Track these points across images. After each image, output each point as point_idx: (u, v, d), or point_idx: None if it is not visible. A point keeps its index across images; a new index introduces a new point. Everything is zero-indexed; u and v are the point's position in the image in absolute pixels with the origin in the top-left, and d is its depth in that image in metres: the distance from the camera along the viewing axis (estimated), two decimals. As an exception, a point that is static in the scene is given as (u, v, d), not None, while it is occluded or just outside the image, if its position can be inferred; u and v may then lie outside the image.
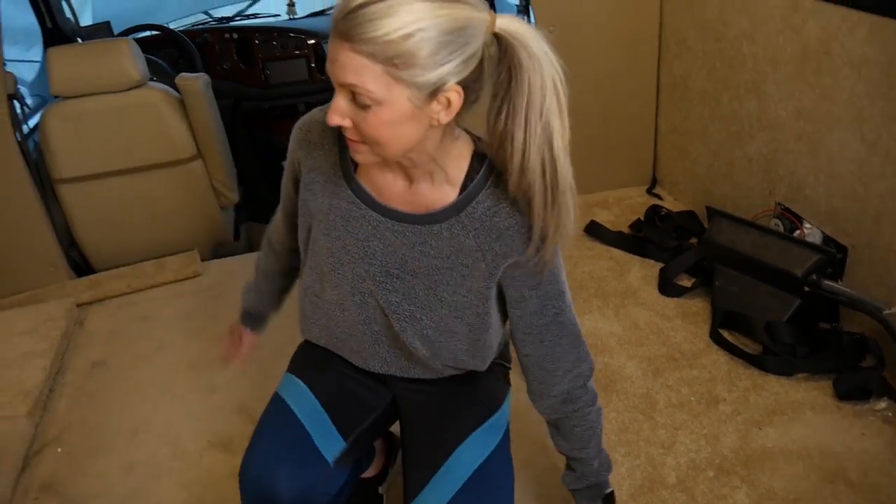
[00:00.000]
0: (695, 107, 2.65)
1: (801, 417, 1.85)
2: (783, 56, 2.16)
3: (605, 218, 2.76)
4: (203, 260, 2.74)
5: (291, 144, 1.24)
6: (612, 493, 1.46)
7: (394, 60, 0.92)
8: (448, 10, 0.92)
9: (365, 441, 1.43)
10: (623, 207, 2.87)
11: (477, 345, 1.27)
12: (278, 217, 1.41)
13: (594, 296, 2.38)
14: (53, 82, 2.45)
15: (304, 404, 1.33)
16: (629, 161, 2.97)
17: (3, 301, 2.62)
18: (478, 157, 1.13)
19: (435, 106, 0.98)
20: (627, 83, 2.80)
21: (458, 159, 1.13)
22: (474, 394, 1.36)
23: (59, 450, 1.97)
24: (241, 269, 2.68)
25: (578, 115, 2.88)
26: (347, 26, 0.92)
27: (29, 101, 2.75)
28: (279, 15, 3.60)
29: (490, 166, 1.12)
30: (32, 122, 2.76)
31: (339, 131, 1.15)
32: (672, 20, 2.67)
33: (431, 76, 0.94)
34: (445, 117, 1.01)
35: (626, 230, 2.70)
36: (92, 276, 2.70)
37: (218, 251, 2.85)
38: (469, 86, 0.99)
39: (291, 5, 3.51)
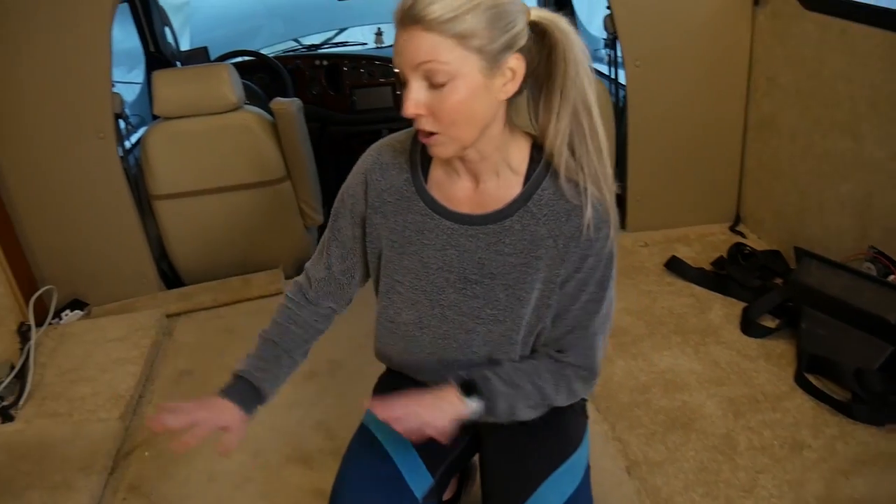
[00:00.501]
0: (784, 145, 2.61)
1: (893, 470, 1.77)
2: (882, 96, 2.12)
3: (686, 254, 2.73)
4: (286, 278, 2.82)
5: (361, 169, 1.27)
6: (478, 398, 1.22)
7: (462, 33, 1.01)
8: None
9: (449, 475, 1.44)
10: (705, 244, 2.83)
11: (540, 332, 1.28)
12: (325, 251, 1.38)
13: (673, 332, 2.35)
14: (156, 103, 2.58)
15: (393, 438, 1.33)
16: (712, 197, 2.93)
17: (98, 309, 2.74)
18: (536, 149, 1.19)
19: (500, 78, 1.07)
20: (713, 119, 2.78)
21: (519, 151, 1.19)
22: (554, 429, 1.35)
23: (147, 454, 2.05)
24: (323, 289, 2.76)
25: (662, 150, 2.91)
26: (414, 12, 1.01)
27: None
28: (366, 43, 3.70)
29: (548, 157, 1.17)
30: (130, 140, 2.90)
31: (410, 149, 1.24)
32: (763, 57, 2.64)
33: (495, 46, 1.04)
34: (512, 87, 1.09)
35: (707, 267, 2.66)
36: (182, 289, 2.82)
37: (300, 270, 2.91)
38: (527, 58, 1.09)
39: (379, 34, 3.61)
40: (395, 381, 1.44)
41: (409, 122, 1.12)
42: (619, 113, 2.82)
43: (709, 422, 1.97)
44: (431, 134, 1.09)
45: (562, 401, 1.26)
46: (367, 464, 1.31)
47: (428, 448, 1.31)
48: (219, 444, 1.30)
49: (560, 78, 1.09)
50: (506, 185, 1.18)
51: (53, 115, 2.47)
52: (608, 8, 2.61)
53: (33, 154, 2.53)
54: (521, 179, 1.18)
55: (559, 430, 1.36)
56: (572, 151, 1.14)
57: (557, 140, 1.12)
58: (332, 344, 2.38)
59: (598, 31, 3.59)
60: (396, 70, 1.07)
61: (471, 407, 1.17)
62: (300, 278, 1.43)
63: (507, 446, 1.34)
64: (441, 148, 1.11)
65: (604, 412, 2.03)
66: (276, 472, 1.94)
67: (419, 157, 1.24)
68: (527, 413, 1.23)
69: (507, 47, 1.05)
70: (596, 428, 1.97)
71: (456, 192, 1.21)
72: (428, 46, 1.01)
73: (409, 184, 1.23)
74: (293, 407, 2.17)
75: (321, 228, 3.12)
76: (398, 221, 1.25)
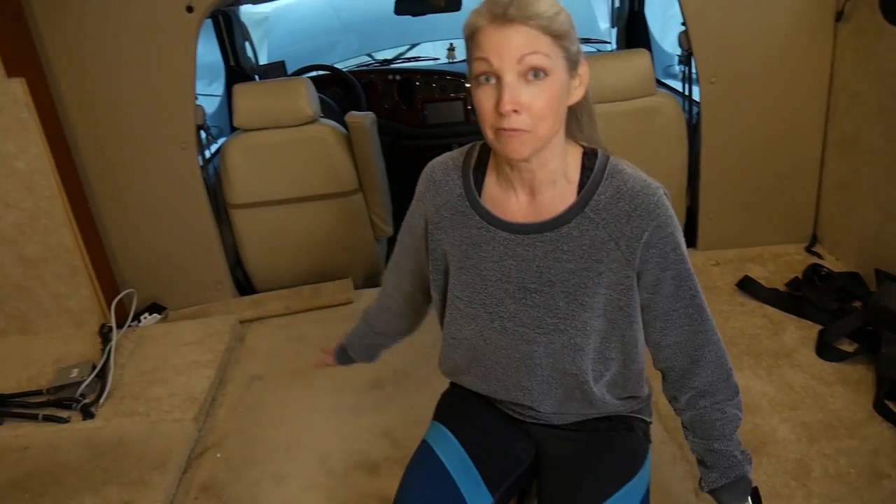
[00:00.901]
0: (866, 164, 2.53)
1: (977, 502, 1.70)
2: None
3: (759, 274, 2.67)
4: (355, 288, 2.87)
5: (419, 189, 1.33)
6: (757, 487, 1.36)
7: (555, 32, 1.06)
8: None
9: (508, 496, 1.43)
10: (779, 264, 2.76)
11: (625, 347, 1.27)
12: (398, 268, 1.49)
13: (745, 353, 2.29)
14: (236, 115, 2.67)
15: (454, 456, 1.34)
16: (788, 217, 2.86)
17: (175, 313, 2.84)
18: (587, 156, 1.21)
19: (574, 81, 1.13)
20: (791, 137, 2.71)
21: (573, 159, 1.21)
22: (615, 453, 1.33)
23: (219, 455, 2.11)
24: (391, 300, 2.80)
25: (737, 167, 2.86)
26: (514, 10, 1.05)
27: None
28: (438, 58, 3.75)
29: (604, 158, 1.19)
30: (210, 150, 3.00)
31: (462, 165, 1.27)
32: (844, 72, 2.57)
33: (574, 49, 1.10)
34: (579, 93, 1.15)
35: (782, 288, 2.59)
36: (254, 296, 2.90)
37: (369, 281, 2.98)
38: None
39: (451, 49, 3.65)
40: (460, 397, 1.46)
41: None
42: (692, 130, 2.79)
43: (781, 446, 1.92)
44: (516, 130, 1.09)
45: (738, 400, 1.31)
46: (427, 480, 1.31)
47: (488, 467, 1.33)
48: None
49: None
50: (561, 195, 1.19)
51: (140, 126, 2.59)
52: (683, 24, 2.59)
53: (119, 164, 2.65)
54: (574, 188, 1.19)
55: (620, 455, 1.34)
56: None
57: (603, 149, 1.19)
58: (398, 354, 2.39)
59: (672, 47, 3.57)
60: (487, 70, 1.08)
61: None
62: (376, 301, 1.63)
63: (566, 469, 1.33)
64: (523, 145, 1.11)
65: (672, 432, 2.00)
66: (343, 478, 1.97)
67: (472, 173, 1.26)
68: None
69: (579, 52, 1.12)
70: (663, 448, 1.94)
71: (510, 204, 1.22)
72: (529, 41, 1.05)
73: (463, 199, 1.26)
74: (359, 415, 2.20)
75: (390, 240, 3.18)
76: (456, 236, 1.27)
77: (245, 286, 3.02)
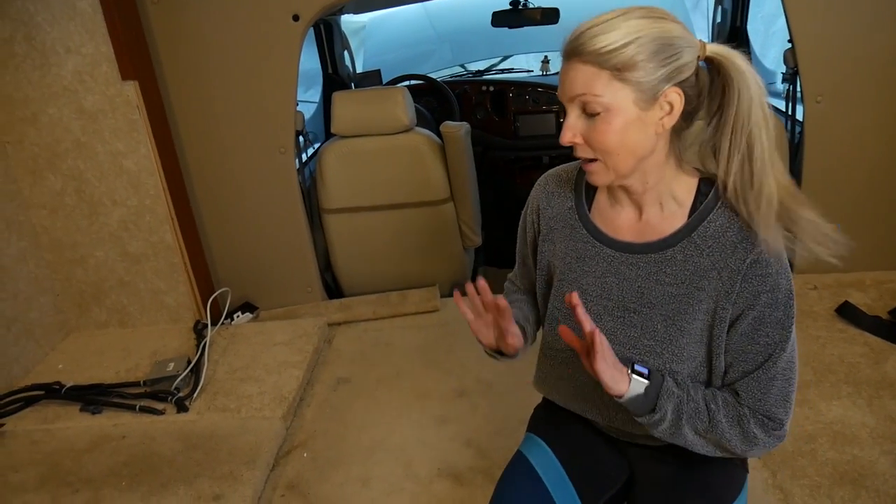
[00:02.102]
0: (981, 190, 2.41)
1: None
2: None
3: (860, 300, 2.56)
4: (442, 296, 2.89)
5: (532, 199, 1.35)
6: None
7: (617, 66, 1.04)
8: (660, 24, 1.06)
9: None
10: (882, 291, 2.64)
11: (719, 375, 1.22)
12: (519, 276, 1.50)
13: (844, 381, 2.20)
14: (335, 122, 2.73)
15: (549, 469, 1.34)
16: (891, 242, 2.73)
17: (266, 313, 2.92)
18: (705, 182, 1.18)
19: (657, 111, 1.09)
20: (897, 160, 2.61)
21: (687, 184, 1.18)
22: (711, 479, 1.30)
23: (305, 454, 2.14)
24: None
25: (839, 189, 2.76)
26: (575, 45, 1.06)
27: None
28: (532, 70, 3.75)
29: (718, 190, 1.16)
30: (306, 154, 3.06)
31: (575, 178, 1.28)
32: (961, 95, 2.45)
33: (651, 79, 1.05)
34: (669, 121, 1.10)
35: (884, 316, 2.48)
36: (343, 300, 2.94)
37: (456, 290, 2.98)
38: (687, 93, 1.09)
39: (546, 62, 3.65)
40: (554, 410, 1.45)
41: (570, 150, 1.16)
42: (794, 150, 2.70)
43: (882, 480, 1.83)
44: (590, 160, 1.14)
45: (737, 442, 1.17)
46: (523, 491, 1.31)
47: (584, 483, 1.32)
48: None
49: (733, 114, 1.09)
50: (669, 216, 1.18)
51: (242, 130, 2.67)
52: (790, 41, 2.51)
53: (220, 166, 2.74)
54: (685, 211, 1.17)
55: (716, 481, 1.30)
56: (743, 188, 1.11)
57: (730, 177, 1.11)
58: (483, 364, 2.45)
59: (773, 64, 3.47)
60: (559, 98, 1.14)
61: (634, 388, 1.12)
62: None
63: (660, 493, 1.31)
64: (597, 176, 1.15)
65: (764, 458, 1.93)
66: (427, 485, 1.98)
67: (584, 187, 1.27)
68: (693, 439, 1.17)
69: (667, 80, 1.06)
70: (755, 474, 1.88)
71: (618, 220, 1.22)
72: (583, 79, 1.07)
73: (573, 211, 1.27)
74: (444, 423, 2.21)
75: (478, 250, 3.19)
76: (562, 248, 1.28)
77: (333, 289, 3.08)
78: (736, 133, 1.10)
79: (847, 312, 2.50)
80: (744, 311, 1.15)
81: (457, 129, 2.69)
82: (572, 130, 1.11)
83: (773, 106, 2.79)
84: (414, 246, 2.92)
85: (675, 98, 1.08)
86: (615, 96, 1.06)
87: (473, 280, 2.96)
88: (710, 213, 1.15)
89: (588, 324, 1.05)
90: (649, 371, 1.14)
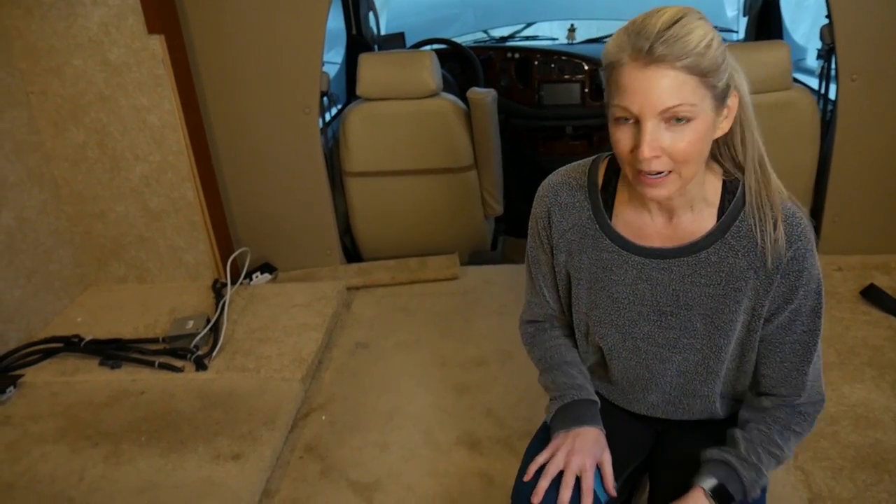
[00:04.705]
0: None
1: None
2: None
3: (885, 283, 2.54)
4: (461, 264, 2.87)
5: (541, 211, 1.28)
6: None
7: (704, 70, 0.99)
8: (710, 24, 1.04)
9: (627, 487, 1.43)
10: (907, 275, 2.63)
11: (751, 369, 1.26)
12: (540, 294, 1.39)
13: (867, 364, 2.19)
14: (361, 84, 2.70)
15: None
16: (920, 226, 2.71)
17: (284, 274, 2.91)
18: (728, 181, 1.16)
19: (721, 115, 1.06)
20: (931, 142, 2.56)
21: (714, 183, 1.16)
22: None
23: (324, 418, 2.15)
24: (496, 278, 2.80)
25: (870, 171, 2.72)
26: (660, 50, 0.98)
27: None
28: (557, 38, 3.70)
29: (746, 189, 1.13)
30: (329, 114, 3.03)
31: (588, 186, 1.22)
32: None
33: (723, 83, 1.03)
34: (726, 125, 1.08)
35: (910, 300, 2.47)
36: (361, 264, 2.94)
37: (475, 258, 2.98)
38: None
39: (572, 30, 3.59)
40: None
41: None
42: (824, 128, 2.66)
43: (905, 465, 1.84)
44: (658, 173, 1.05)
45: (803, 437, 1.25)
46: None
47: (612, 452, 1.30)
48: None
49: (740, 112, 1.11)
50: (700, 218, 1.16)
51: (267, 89, 2.64)
52: (827, 17, 2.46)
53: (243, 124, 2.71)
54: (714, 211, 1.15)
55: None
56: (758, 183, 1.13)
57: (751, 176, 1.12)
58: (504, 333, 2.44)
59: (803, 39, 3.41)
60: (626, 116, 1.03)
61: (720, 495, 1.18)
62: (529, 327, 1.46)
63: (681, 463, 1.30)
64: (665, 189, 1.07)
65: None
66: (446, 452, 1.98)
67: (600, 194, 1.22)
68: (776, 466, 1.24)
69: (729, 84, 1.05)
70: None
71: (645, 227, 1.19)
72: (675, 88, 0.99)
73: (593, 221, 1.22)
74: (463, 391, 2.21)
75: (498, 219, 3.17)
76: (583, 259, 1.25)
77: (352, 253, 3.07)
78: (745, 129, 1.11)
79: (872, 295, 2.48)
80: (781, 305, 1.16)
81: (484, 96, 2.66)
82: (654, 145, 1.01)
83: (802, 82, 2.76)
84: (435, 212, 2.90)
85: (734, 101, 1.07)
86: (703, 103, 1.01)
87: (493, 248, 2.96)
88: (740, 212, 1.13)
89: None
90: (717, 481, 1.18)
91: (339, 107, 3.09)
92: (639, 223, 1.19)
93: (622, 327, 1.25)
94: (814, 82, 2.80)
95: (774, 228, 1.11)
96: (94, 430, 2.05)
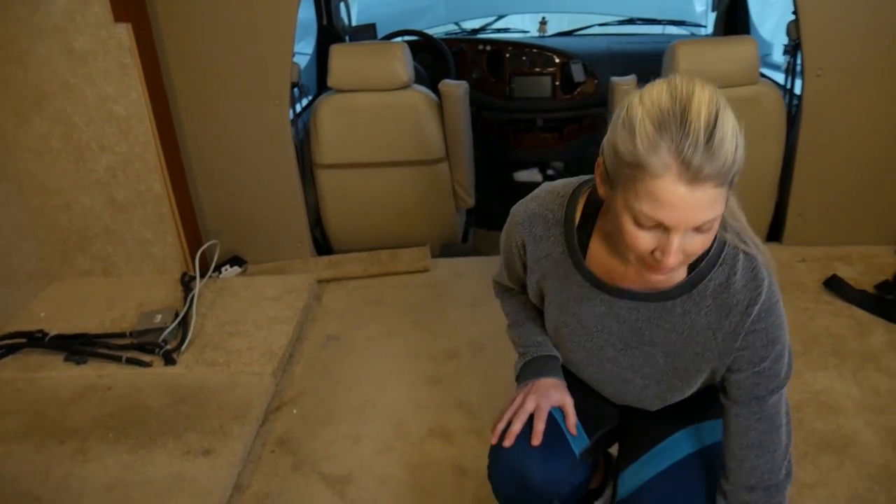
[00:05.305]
0: (971, 171, 2.43)
1: None
2: None
3: (847, 274, 2.59)
4: (433, 256, 2.87)
5: (512, 234, 1.30)
6: None
7: (732, 177, 0.96)
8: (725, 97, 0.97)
9: (601, 446, 1.48)
10: (868, 265, 2.68)
11: (711, 389, 1.30)
12: (512, 282, 1.45)
13: (830, 353, 2.24)
14: (332, 75, 2.68)
15: None
16: (880, 218, 2.76)
17: (254, 267, 2.88)
18: None
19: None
20: (893, 136, 2.61)
21: None
22: (695, 397, 1.34)
23: (295, 411, 2.14)
24: (468, 270, 2.80)
25: (833, 164, 2.78)
26: (707, 170, 0.91)
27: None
28: (528, 31, 3.70)
29: (720, 244, 1.12)
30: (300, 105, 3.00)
31: (563, 221, 1.21)
32: (960, 75, 2.46)
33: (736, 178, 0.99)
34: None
35: (870, 290, 2.52)
36: (332, 256, 2.92)
37: (446, 250, 2.98)
38: None
39: (543, 23, 3.60)
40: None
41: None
42: (790, 123, 2.70)
43: (865, 450, 1.87)
44: (670, 268, 1.03)
45: (785, 435, 1.25)
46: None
47: (585, 414, 1.36)
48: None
49: None
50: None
51: (236, 79, 2.60)
52: (793, 13, 2.50)
53: (212, 115, 2.67)
54: (685, 266, 1.15)
55: (700, 398, 1.35)
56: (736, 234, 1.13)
57: (726, 234, 1.12)
58: (475, 325, 2.45)
59: (769, 34, 3.46)
60: (660, 223, 0.97)
61: None
62: (499, 285, 1.52)
63: (647, 422, 1.38)
64: (671, 276, 1.09)
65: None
66: (418, 444, 1.99)
67: (576, 232, 1.21)
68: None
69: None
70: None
71: (617, 270, 1.19)
72: (714, 203, 0.95)
73: (566, 257, 1.22)
74: (435, 383, 2.21)
75: (469, 211, 3.17)
76: (555, 286, 1.27)
77: (323, 246, 3.05)
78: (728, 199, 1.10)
79: (834, 285, 2.53)
80: (744, 366, 1.18)
81: (456, 89, 2.66)
82: (681, 250, 0.99)
83: (767, 77, 2.79)
84: (406, 205, 2.89)
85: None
86: (722, 207, 0.98)
87: (464, 240, 2.95)
88: (711, 270, 1.13)
89: None
90: None
91: (310, 98, 3.06)
92: (612, 265, 1.19)
93: (589, 349, 1.30)
94: (780, 77, 2.84)
95: (741, 294, 1.12)
96: (59, 427, 2.01)
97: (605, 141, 1.03)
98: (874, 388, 2.09)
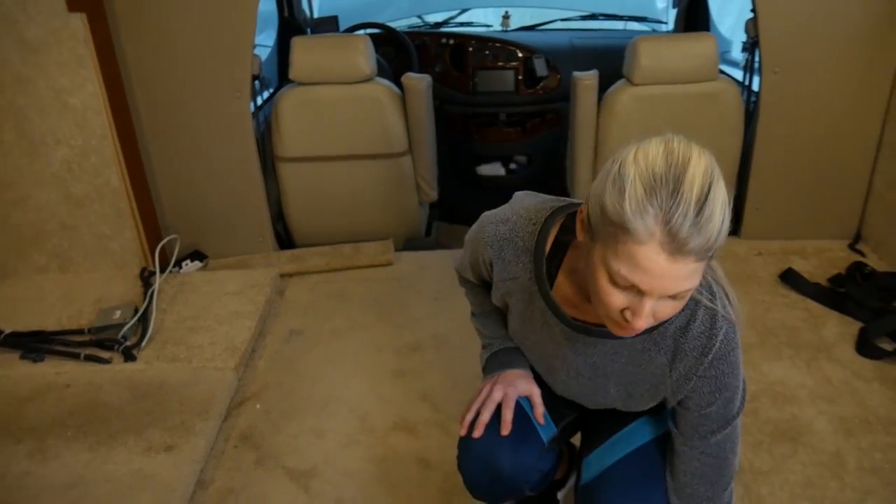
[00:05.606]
0: (921, 167, 2.50)
1: None
2: None
3: (802, 267, 2.65)
4: (396, 250, 2.87)
5: (479, 250, 1.29)
6: None
7: (713, 253, 0.94)
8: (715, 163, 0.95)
9: (567, 434, 1.52)
10: (822, 259, 2.74)
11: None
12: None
13: (785, 344, 2.29)
14: (294, 68, 2.66)
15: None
16: (834, 213, 2.83)
17: (215, 262, 2.85)
18: None
19: None
20: (847, 134, 2.67)
21: None
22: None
23: (258, 406, 2.13)
24: (431, 264, 2.81)
25: (789, 160, 2.82)
26: (692, 244, 0.90)
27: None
28: (491, 25, 3.71)
29: None
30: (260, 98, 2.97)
31: (534, 250, 1.20)
32: (911, 73, 2.53)
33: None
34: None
35: (824, 283, 2.58)
36: (295, 251, 2.90)
37: (410, 244, 2.98)
38: None
39: (506, 17, 3.60)
40: None
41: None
42: (747, 118, 2.76)
43: (818, 437, 1.93)
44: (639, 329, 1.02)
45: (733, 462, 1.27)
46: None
47: (552, 403, 1.39)
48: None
49: None
50: None
51: (196, 71, 2.57)
52: (752, 11, 2.54)
53: (172, 108, 2.63)
54: None
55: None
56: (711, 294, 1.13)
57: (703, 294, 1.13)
58: (439, 319, 2.46)
59: (728, 31, 3.51)
60: (635, 286, 0.95)
61: None
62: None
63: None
64: (636, 335, 1.09)
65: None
66: (382, 437, 1.99)
67: (544, 262, 1.20)
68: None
69: None
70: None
71: (582, 304, 1.20)
72: (692, 275, 0.94)
73: (533, 283, 1.22)
74: (399, 377, 2.22)
75: (432, 205, 3.18)
76: (519, 306, 1.29)
77: (285, 240, 3.03)
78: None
79: (790, 278, 2.59)
80: (692, 407, 1.20)
81: (419, 82, 2.65)
82: (651, 314, 0.98)
83: (729, 75, 2.84)
84: (369, 198, 2.88)
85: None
86: (700, 277, 0.97)
87: (427, 234, 2.93)
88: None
89: None
90: None
91: (271, 91, 3.03)
92: (576, 300, 1.20)
93: (545, 366, 1.33)
94: (738, 74, 2.89)
95: (697, 340, 1.13)
96: (16, 425, 1.98)
97: (591, 191, 1.00)
98: (827, 377, 2.15)
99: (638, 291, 0.96)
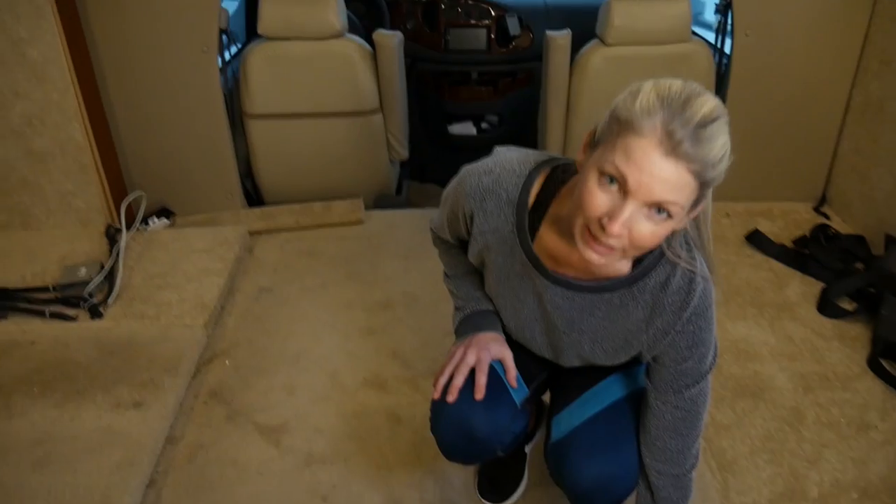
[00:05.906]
0: (886, 132, 2.53)
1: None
2: None
3: (767, 229, 2.70)
4: (366, 209, 2.86)
5: (459, 201, 1.27)
6: None
7: (706, 180, 0.97)
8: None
9: (538, 393, 1.54)
10: (787, 221, 2.79)
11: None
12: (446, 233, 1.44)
13: (749, 304, 2.34)
14: (262, 22, 2.60)
15: None
16: (800, 175, 2.87)
17: (183, 219, 2.82)
18: None
19: (688, 215, 1.04)
20: (815, 97, 2.71)
21: None
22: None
23: (228, 363, 2.12)
24: (401, 222, 2.81)
25: (757, 123, 2.85)
26: (686, 148, 0.93)
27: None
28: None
29: (666, 243, 1.14)
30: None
31: (517, 202, 1.20)
32: (879, 38, 2.54)
33: (709, 193, 1.03)
34: (685, 222, 1.08)
35: (788, 244, 2.63)
36: (264, 208, 2.87)
37: (380, 202, 2.97)
38: None
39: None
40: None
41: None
42: (719, 81, 2.77)
43: (778, 393, 1.99)
44: (607, 246, 1.02)
45: (703, 415, 1.30)
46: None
47: (523, 365, 1.40)
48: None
49: None
50: (616, 263, 1.16)
51: (162, 24, 2.50)
52: (727, -27, 2.54)
53: (137, 61, 2.57)
54: (629, 261, 1.17)
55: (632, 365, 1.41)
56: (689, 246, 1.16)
57: (674, 238, 1.14)
58: (409, 277, 2.47)
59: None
60: (618, 179, 0.97)
61: None
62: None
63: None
64: (604, 259, 1.05)
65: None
66: (353, 393, 2.00)
67: (527, 214, 1.20)
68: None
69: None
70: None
71: (562, 257, 1.20)
72: (678, 186, 0.95)
73: (514, 236, 1.22)
74: (369, 334, 2.23)
75: (403, 163, 3.16)
76: (497, 260, 1.28)
77: (254, 197, 2.99)
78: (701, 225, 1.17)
79: (756, 240, 2.64)
80: (667, 362, 1.23)
81: (390, 39, 2.62)
82: (626, 226, 0.99)
83: (701, 37, 2.85)
84: (339, 156, 2.85)
85: (704, 206, 1.09)
86: (687, 204, 0.99)
87: (398, 192, 2.92)
88: (654, 267, 1.16)
89: None
90: None
91: (239, 46, 2.97)
92: (558, 252, 1.20)
93: (520, 323, 1.34)
94: (711, 36, 2.89)
95: (676, 295, 1.15)
96: (-20, 383, 1.96)
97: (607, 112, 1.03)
98: (789, 336, 2.21)
99: (623, 192, 0.97)
